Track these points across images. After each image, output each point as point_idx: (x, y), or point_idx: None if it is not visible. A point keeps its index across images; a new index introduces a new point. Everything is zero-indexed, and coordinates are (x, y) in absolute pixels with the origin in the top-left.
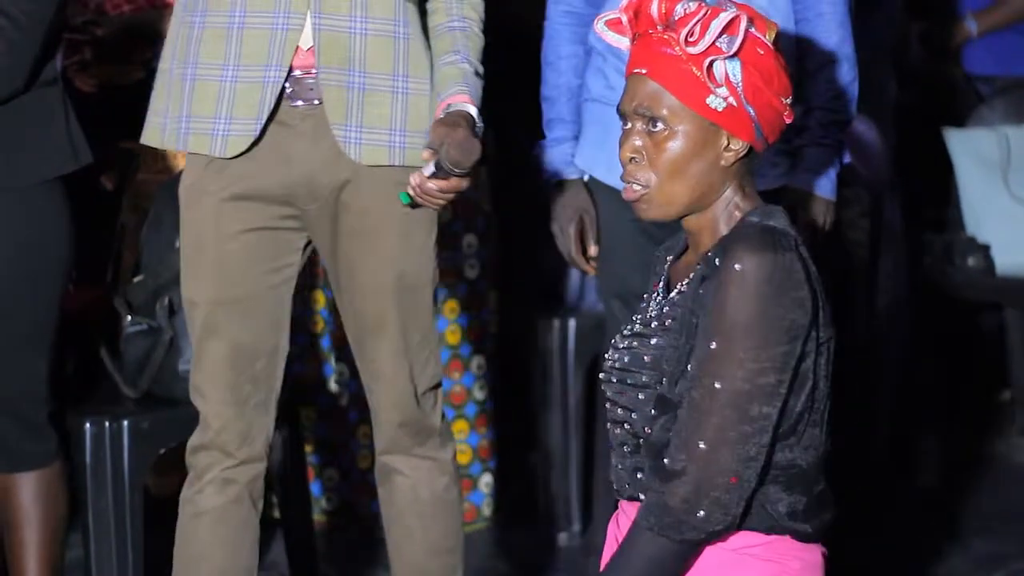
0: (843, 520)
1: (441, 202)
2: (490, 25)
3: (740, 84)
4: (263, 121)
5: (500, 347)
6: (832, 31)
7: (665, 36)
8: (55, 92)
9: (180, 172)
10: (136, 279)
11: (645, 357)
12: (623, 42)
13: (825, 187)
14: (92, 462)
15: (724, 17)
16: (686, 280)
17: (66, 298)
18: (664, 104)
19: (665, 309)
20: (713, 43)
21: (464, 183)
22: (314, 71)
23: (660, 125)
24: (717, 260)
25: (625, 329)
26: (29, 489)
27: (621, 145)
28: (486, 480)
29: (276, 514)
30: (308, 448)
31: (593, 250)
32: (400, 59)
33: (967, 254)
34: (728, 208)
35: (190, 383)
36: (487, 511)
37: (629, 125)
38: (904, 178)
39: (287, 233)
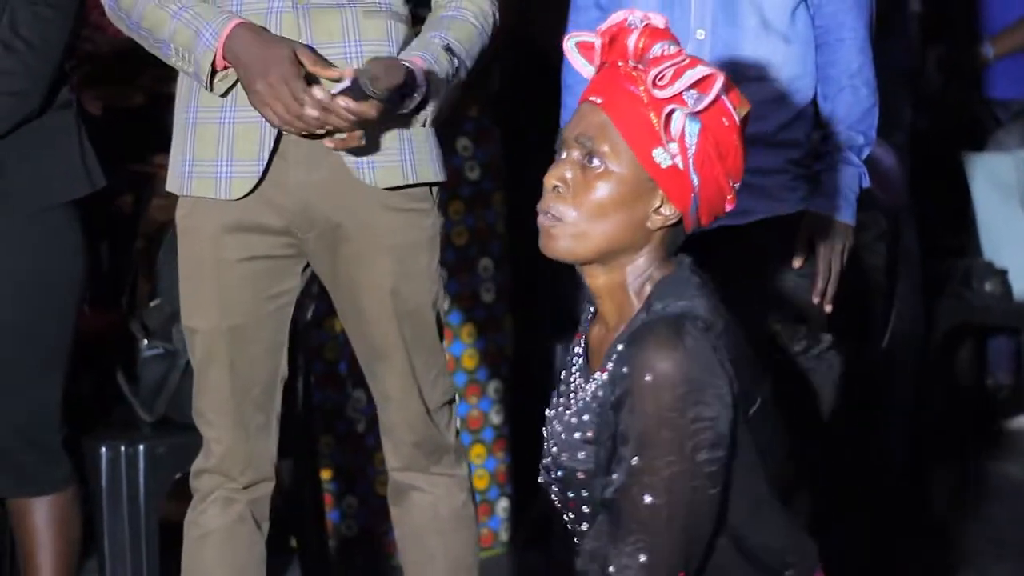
0: (857, 546)
1: (343, 125)
2: (509, 46)
3: (693, 147)
4: (264, 162)
5: (516, 371)
6: (853, 57)
7: (633, 72)
8: (69, 115)
9: None
10: (153, 303)
11: (579, 474)
12: (588, 69)
13: (844, 212)
14: (108, 487)
15: (700, 71)
16: (597, 378)
17: (82, 321)
18: (608, 140)
19: (583, 407)
20: (680, 93)
21: (373, 111)
22: None
23: (596, 161)
24: (625, 368)
25: (553, 408)
26: (44, 513)
27: (549, 173)
28: (503, 505)
29: (293, 543)
30: (326, 475)
31: None
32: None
33: (984, 279)
34: (640, 279)
35: (193, 408)
36: (504, 536)
37: (565, 154)
38: (921, 203)
39: (285, 261)
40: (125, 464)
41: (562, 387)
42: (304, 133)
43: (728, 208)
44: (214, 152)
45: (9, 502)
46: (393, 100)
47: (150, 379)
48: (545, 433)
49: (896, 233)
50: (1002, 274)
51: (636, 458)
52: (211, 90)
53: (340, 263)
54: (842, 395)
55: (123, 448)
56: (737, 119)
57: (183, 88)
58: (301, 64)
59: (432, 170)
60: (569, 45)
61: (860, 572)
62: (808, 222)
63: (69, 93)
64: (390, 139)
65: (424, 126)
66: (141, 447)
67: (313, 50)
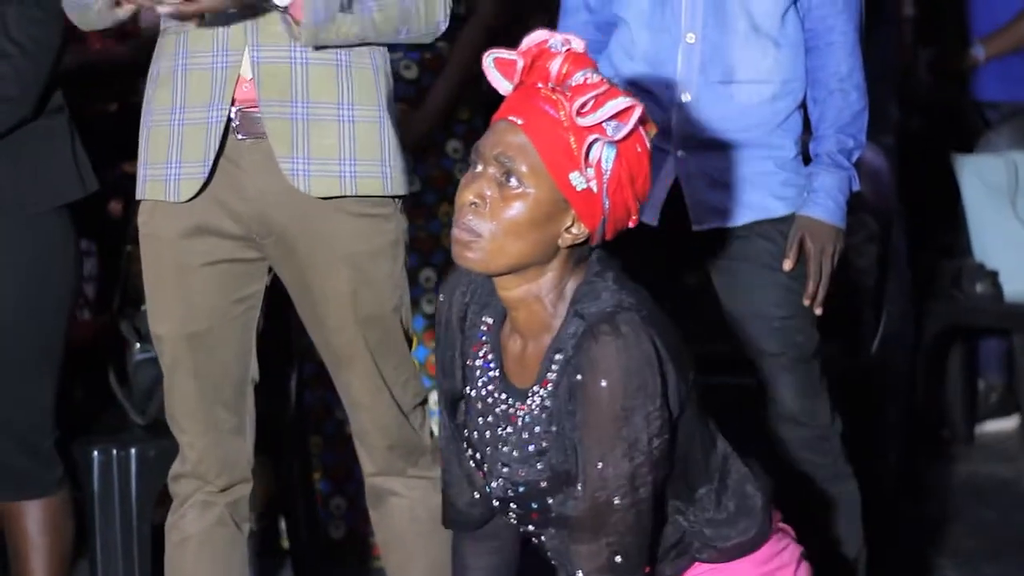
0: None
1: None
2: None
3: (608, 173)
4: (210, 163)
5: None
6: (842, 60)
7: (553, 96)
8: (62, 120)
9: None
10: (144, 306)
11: (541, 483)
12: (504, 85)
13: (835, 215)
14: (100, 490)
15: (621, 102)
16: (538, 390)
17: (74, 325)
18: (527, 161)
19: (530, 422)
20: (601, 122)
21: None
22: (257, 104)
23: (514, 181)
24: (578, 376)
25: (477, 429)
26: (36, 517)
27: (467, 186)
28: None
29: (285, 543)
30: (316, 476)
31: None
32: (344, 87)
33: (975, 280)
34: (555, 289)
35: (166, 413)
36: None
37: (480, 168)
38: (911, 204)
39: (248, 264)
40: (117, 468)
41: (477, 405)
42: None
43: (631, 225)
44: (164, 155)
45: (1, 505)
46: None
47: (142, 382)
48: (478, 456)
49: (886, 235)
50: (993, 275)
51: (600, 463)
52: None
53: (299, 270)
54: (833, 397)
55: (115, 451)
56: (649, 146)
57: (145, 94)
58: None
59: (380, 182)
60: (488, 62)
61: (851, 572)
62: (799, 225)
63: (61, 97)
64: (329, 142)
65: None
66: (133, 451)
67: None
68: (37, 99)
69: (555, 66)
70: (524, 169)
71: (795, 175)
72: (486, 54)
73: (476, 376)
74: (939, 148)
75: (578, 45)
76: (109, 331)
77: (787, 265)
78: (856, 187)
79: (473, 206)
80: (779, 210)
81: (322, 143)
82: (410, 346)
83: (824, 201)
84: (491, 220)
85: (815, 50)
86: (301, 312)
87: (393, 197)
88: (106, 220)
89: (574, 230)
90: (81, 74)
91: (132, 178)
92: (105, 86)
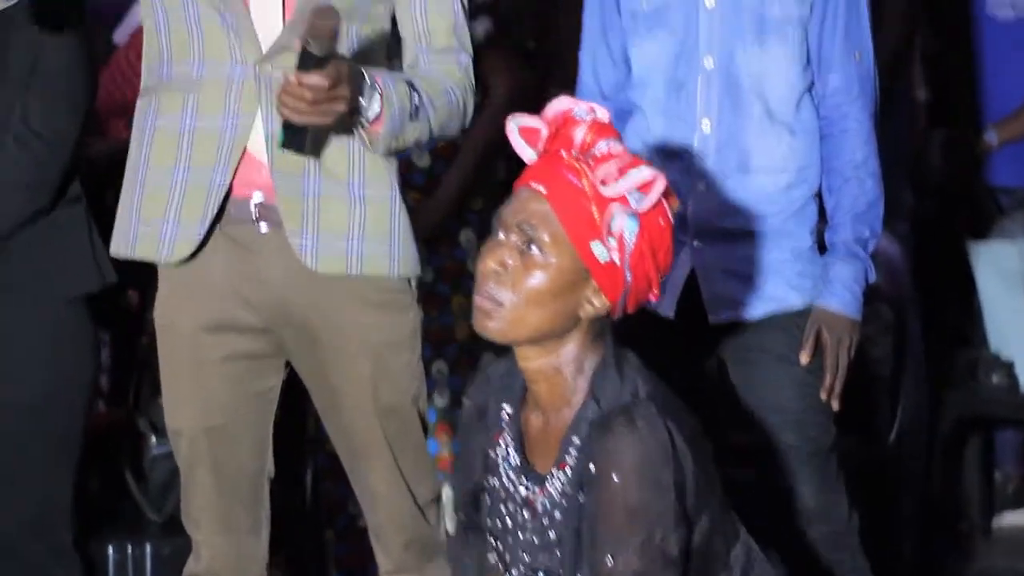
0: None
1: (302, 107)
2: None
3: (631, 245)
4: (207, 224)
5: None
6: (857, 148)
7: (577, 165)
8: (79, 210)
9: None
10: (160, 399)
11: (561, 571)
12: (528, 153)
13: (851, 306)
14: None
15: (644, 173)
16: (553, 475)
17: (89, 418)
18: (549, 230)
19: (549, 507)
20: (624, 193)
21: (324, 80)
22: (271, 184)
23: (536, 250)
24: (592, 466)
25: (498, 516)
26: None
27: (488, 253)
28: None
29: None
30: (331, 571)
31: None
32: (355, 166)
33: (991, 371)
34: (575, 363)
35: (181, 511)
36: None
37: (502, 236)
38: (926, 292)
39: (266, 359)
40: (132, 565)
41: (499, 493)
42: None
43: (652, 299)
44: (161, 212)
45: None
46: (328, 56)
47: (159, 478)
48: (500, 547)
49: (901, 325)
50: (1008, 367)
51: (610, 558)
52: None
53: (318, 360)
54: (849, 489)
55: (130, 549)
56: (672, 219)
57: (134, 147)
58: None
59: (386, 263)
60: (512, 128)
61: None
62: (815, 317)
63: (79, 187)
64: (339, 221)
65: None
66: (148, 547)
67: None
68: (55, 189)
69: (579, 134)
70: (546, 238)
71: (811, 265)
72: (510, 118)
73: (498, 465)
74: (953, 234)
75: (603, 114)
76: (125, 424)
77: (804, 358)
78: (872, 278)
79: (495, 274)
80: (795, 301)
81: (331, 220)
82: (426, 437)
83: (840, 292)
84: (512, 289)
85: (830, 137)
86: (318, 402)
87: (410, 284)
88: (122, 310)
89: (595, 302)
90: (105, 163)
91: (149, 268)
92: None
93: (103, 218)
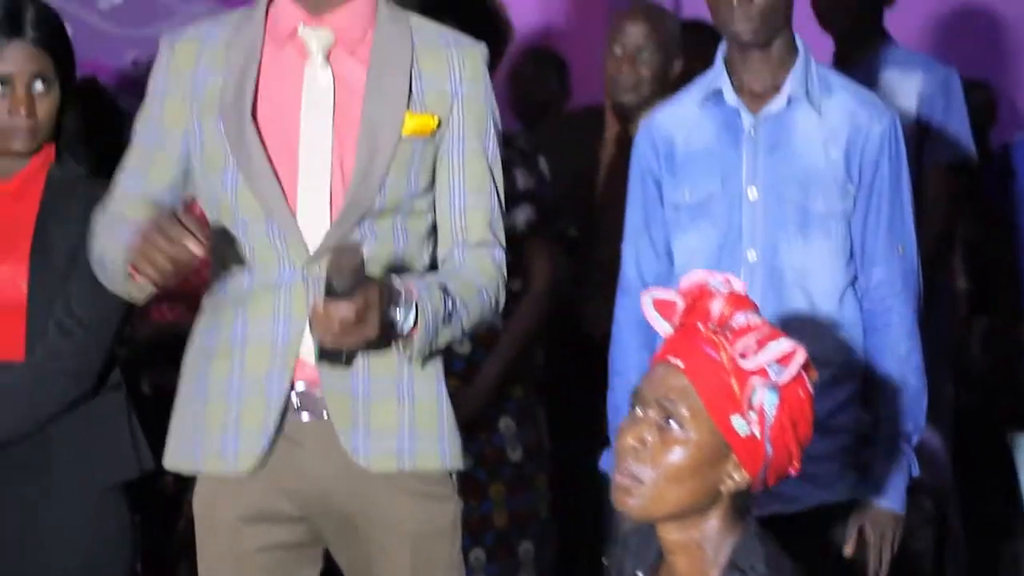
0: None
1: (335, 330)
2: (555, 327)
3: (771, 419)
4: (269, 435)
5: None
6: (901, 341)
7: (715, 338)
8: (119, 397)
9: None
10: None
11: None
12: (663, 326)
13: (895, 501)
14: None
15: (784, 345)
16: None
17: None
18: (688, 405)
19: None
20: (764, 366)
21: (350, 310)
22: (319, 383)
23: (675, 425)
24: None
25: None
26: None
27: (626, 430)
28: None
29: None
30: None
31: None
32: (404, 364)
33: None
34: (715, 539)
35: None
36: None
37: (640, 412)
38: (968, 483)
39: (304, 549)
40: None
41: None
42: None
43: (792, 473)
44: (222, 427)
45: None
46: (352, 288)
47: None
48: None
49: (942, 517)
50: None
51: None
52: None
53: (358, 551)
54: None
55: None
56: (812, 391)
57: (189, 362)
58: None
59: (436, 458)
60: (646, 301)
61: None
62: (859, 511)
63: (119, 375)
64: (389, 419)
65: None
66: None
67: None
68: (96, 376)
69: (716, 307)
70: (685, 413)
71: (855, 458)
72: (644, 294)
73: None
74: (995, 425)
75: (738, 286)
76: None
77: (847, 552)
78: (916, 472)
79: (634, 451)
80: (838, 495)
81: (381, 419)
82: None
83: (884, 487)
84: (652, 466)
85: (873, 331)
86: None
87: (451, 475)
88: (158, 494)
89: (736, 476)
90: (152, 346)
91: None
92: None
93: (142, 402)
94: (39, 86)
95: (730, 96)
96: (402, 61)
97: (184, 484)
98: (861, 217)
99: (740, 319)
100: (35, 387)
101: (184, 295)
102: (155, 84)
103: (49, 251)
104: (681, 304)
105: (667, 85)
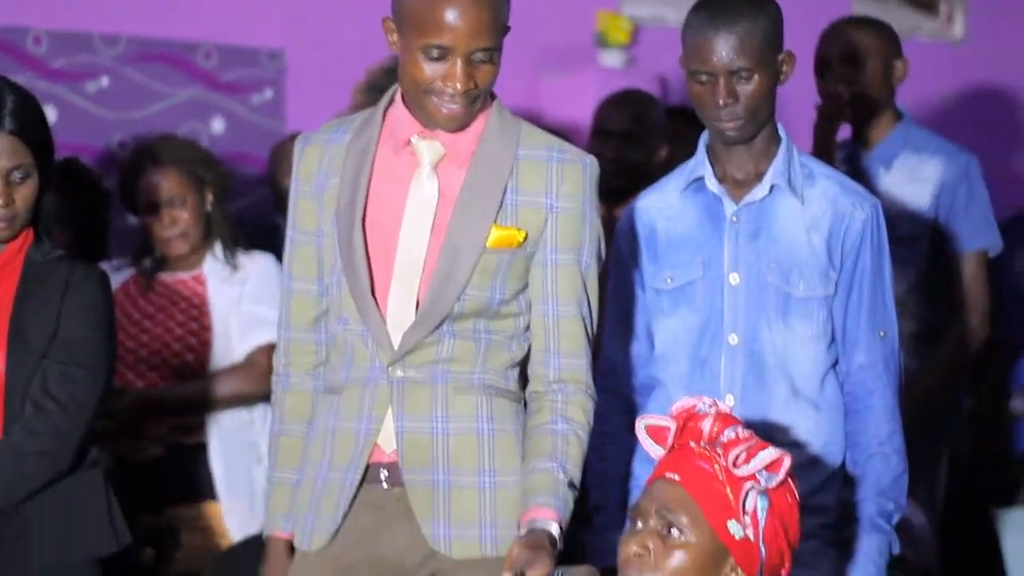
0: None
1: None
2: None
3: (763, 522)
4: (338, 521)
5: None
6: (883, 424)
7: (707, 452)
8: (97, 474)
9: (227, 548)
10: None
11: None
12: (656, 450)
13: None
14: None
15: (771, 453)
16: None
17: None
18: (687, 512)
19: None
20: (755, 472)
21: None
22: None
23: (676, 532)
24: None
25: None
26: None
27: (628, 540)
28: None
29: None
30: None
31: None
32: (486, 455)
33: None
34: None
35: None
36: None
37: (640, 525)
38: (952, 562)
39: None
40: None
41: None
42: None
43: (784, 574)
44: (307, 506)
45: None
46: None
47: None
48: None
49: None
50: None
51: None
52: None
53: None
54: None
55: None
56: (798, 496)
57: (303, 450)
58: None
59: None
60: (640, 427)
61: None
62: None
63: (96, 453)
64: (470, 508)
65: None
66: None
67: None
68: (73, 455)
69: (706, 426)
70: (685, 520)
71: (835, 537)
72: (639, 419)
73: None
74: (979, 504)
75: (723, 406)
76: None
77: None
78: (896, 550)
79: (638, 558)
80: (820, 574)
81: (463, 509)
82: None
83: (865, 566)
84: (656, 571)
85: (855, 414)
86: None
87: None
88: (138, 569)
89: None
90: (125, 419)
91: (168, 526)
92: (145, 428)
93: (128, 473)
94: (17, 175)
95: (712, 184)
96: (500, 173)
97: (163, 556)
98: (843, 302)
99: (729, 433)
100: (12, 467)
101: (158, 366)
102: (292, 188)
103: (26, 331)
104: (674, 426)
105: (653, 171)
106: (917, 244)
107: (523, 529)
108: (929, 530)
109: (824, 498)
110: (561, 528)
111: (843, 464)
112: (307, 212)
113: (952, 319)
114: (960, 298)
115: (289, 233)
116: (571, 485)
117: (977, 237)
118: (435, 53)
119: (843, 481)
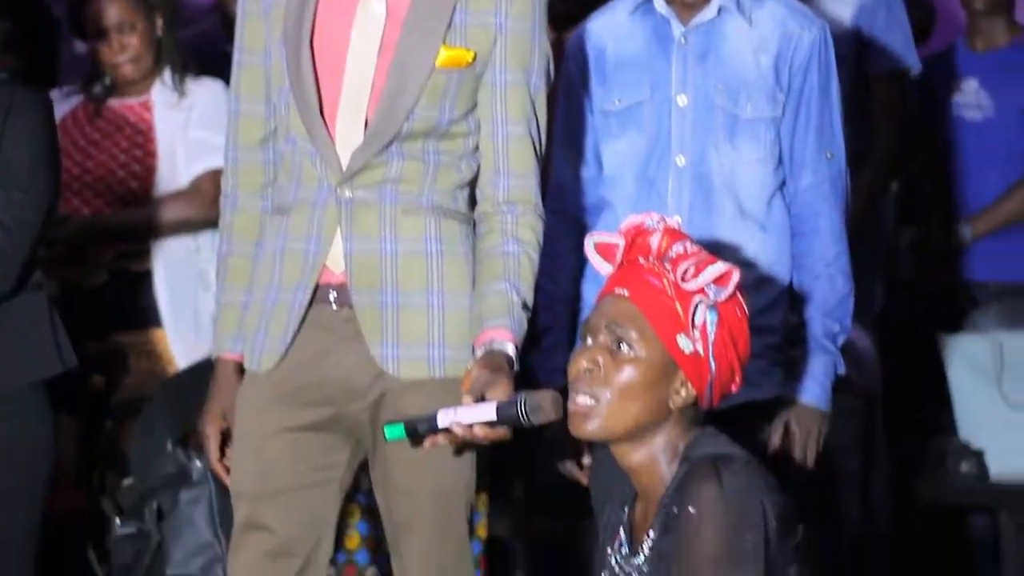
0: None
1: (470, 433)
2: None
3: (712, 335)
4: (288, 341)
5: None
6: (829, 245)
7: (655, 267)
8: (40, 297)
9: (174, 375)
10: (125, 482)
11: None
12: (606, 267)
13: (820, 398)
14: None
15: (720, 267)
16: (647, 537)
17: (51, 501)
18: (637, 327)
19: (646, 572)
20: (704, 287)
21: (508, 434)
22: (347, 286)
23: (625, 347)
24: (675, 508)
25: None
26: None
27: (578, 356)
28: None
29: None
30: None
31: (587, 460)
32: (435, 277)
33: (960, 460)
34: (670, 451)
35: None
36: None
37: (590, 341)
38: (897, 385)
39: (330, 435)
40: None
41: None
42: None
43: (734, 389)
44: (256, 327)
45: None
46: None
47: (122, 559)
48: None
49: (869, 417)
50: (978, 455)
51: None
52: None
53: (380, 441)
54: None
55: None
56: (747, 310)
57: (248, 272)
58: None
59: (467, 367)
60: (588, 245)
61: None
62: (785, 408)
63: (40, 276)
64: (418, 328)
65: None
66: None
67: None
68: (16, 276)
69: (655, 241)
70: (634, 335)
71: (781, 357)
72: (588, 237)
73: (613, 562)
74: (925, 329)
75: (672, 221)
76: (88, 509)
77: (772, 446)
78: (841, 370)
79: (588, 373)
80: (764, 392)
81: (411, 329)
82: (471, 537)
83: (810, 385)
84: (605, 385)
85: (801, 235)
86: (373, 477)
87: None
88: (87, 394)
89: (683, 392)
90: (71, 245)
91: (115, 352)
92: (90, 255)
93: (74, 299)
94: None
95: (661, 6)
96: None
97: (112, 384)
98: (790, 123)
99: (678, 248)
100: None
101: (103, 192)
102: (239, 7)
103: None
104: (623, 243)
105: None
106: (841, 66)
107: (479, 351)
108: (874, 353)
109: (770, 318)
110: (517, 349)
111: (790, 285)
112: (254, 31)
113: (874, 140)
114: (878, 118)
115: (236, 56)
116: (524, 306)
117: (895, 57)
118: None
119: (789, 302)
